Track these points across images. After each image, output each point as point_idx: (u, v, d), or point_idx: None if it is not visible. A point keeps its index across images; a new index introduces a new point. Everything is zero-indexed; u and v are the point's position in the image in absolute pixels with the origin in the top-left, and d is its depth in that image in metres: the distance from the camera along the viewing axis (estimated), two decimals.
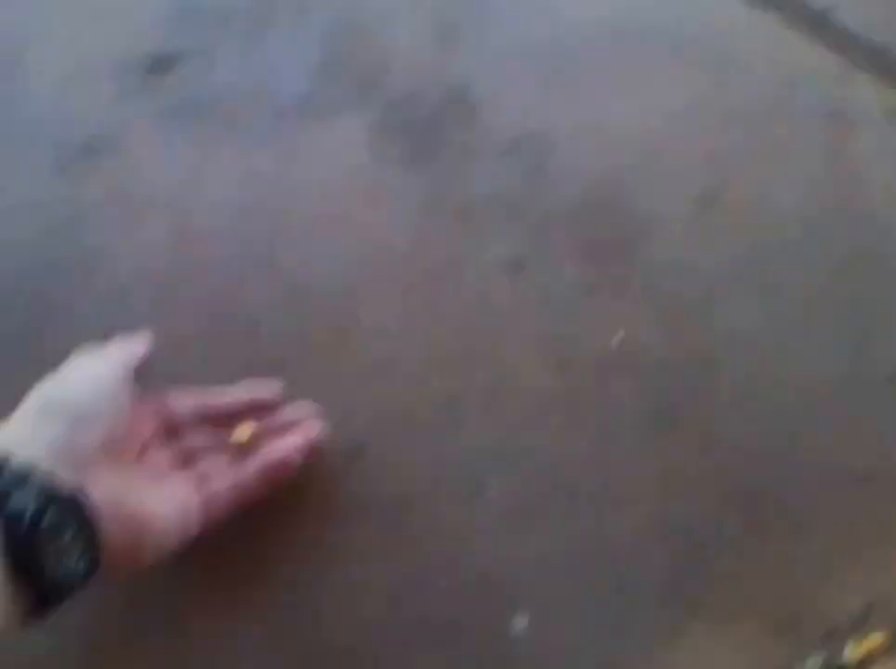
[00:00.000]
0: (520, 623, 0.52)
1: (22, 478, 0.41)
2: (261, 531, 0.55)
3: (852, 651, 0.55)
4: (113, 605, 0.53)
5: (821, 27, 0.78)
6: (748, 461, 0.59)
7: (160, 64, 0.76)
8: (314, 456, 0.55)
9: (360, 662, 0.51)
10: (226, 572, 0.54)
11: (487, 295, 0.64)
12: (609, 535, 0.56)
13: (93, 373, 0.50)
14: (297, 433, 0.55)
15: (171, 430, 0.55)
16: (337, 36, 0.79)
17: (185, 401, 0.56)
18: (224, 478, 0.53)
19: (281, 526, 0.55)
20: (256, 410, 0.57)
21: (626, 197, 0.70)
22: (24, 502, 0.40)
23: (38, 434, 0.45)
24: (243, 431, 0.55)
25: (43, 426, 0.45)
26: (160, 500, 0.49)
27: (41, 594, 0.41)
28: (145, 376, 0.53)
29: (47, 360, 0.50)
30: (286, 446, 0.54)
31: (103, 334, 0.55)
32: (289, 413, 0.57)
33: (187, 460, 0.54)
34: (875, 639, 0.55)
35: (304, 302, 0.64)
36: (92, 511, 0.43)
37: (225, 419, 0.56)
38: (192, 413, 0.55)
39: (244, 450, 0.54)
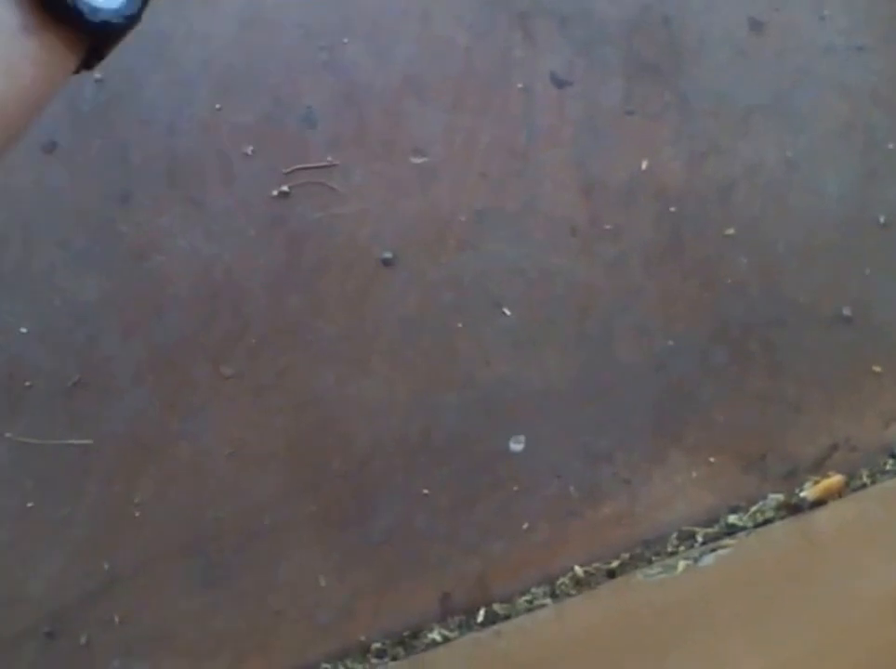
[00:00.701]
0: (518, 443, 0.61)
1: None
2: (282, 342, 0.61)
3: (810, 491, 0.64)
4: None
5: None
6: (742, 297, 0.66)
7: None
8: None
9: (370, 472, 0.60)
10: (248, 382, 0.60)
11: (532, 109, 0.67)
12: (609, 364, 0.63)
13: None
14: None
15: None
16: None
17: None
18: None
19: (302, 337, 0.62)
20: None
21: (681, 17, 0.72)
22: None
23: None
24: None
25: None
26: None
27: (86, 32, 0.33)
28: None
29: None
30: None
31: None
32: None
33: None
34: (832, 481, 0.64)
35: (357, 96, 0.67)
36: None
37: None
38: None
39: None
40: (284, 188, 0.65)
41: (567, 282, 0.65)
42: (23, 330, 0.59)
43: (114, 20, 0.34)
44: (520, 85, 0.69)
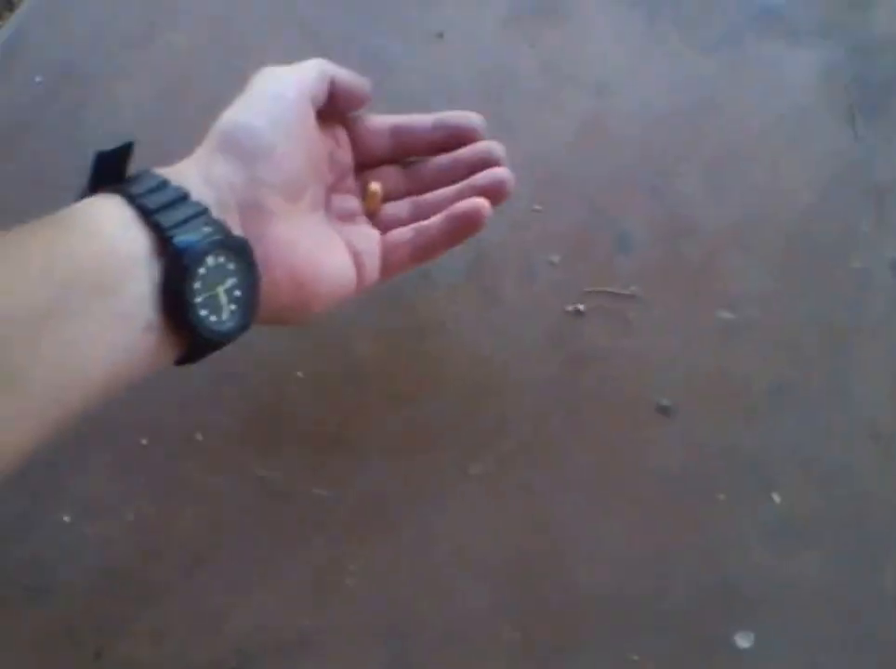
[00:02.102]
0: (745, 640, 0.62)
1: (193, 217, 0.44)
2: (535, 459, 0.67)
3: None
4: None
5: None
6: None
7: None
8: (501, 200, 0.60)
9: (584, 618, 0.63)
10: (491, 488, 0.66)
11: (863, 292, 0.70)
12: (871, 589, 0.63)
13: (276, 98, 0.52)
14: (485, 179, 0.59)
15: (362, 166, 0.61)
16: None
17: (380, 125, 0.60)
18: (406, 229, 0.58)
19: (555, 459, 0.67)
20: (453, 140, 0.60)
21: None
22: (190, 241, 0.43)
23: (213, 175, 0.48)
24: (375, 187, 0.60)
25: (218, 167, 0.49)
26: (336, 252, 0.55)
27: (191, 341, 0.46)
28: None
29: None
30: (475, 201, 0.57)
31: None
32: (481, 149, 0.61)
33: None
34: None
35: (679, 232, 0.73)
36: (257, 262, 0.47)
37: (421, 148, 0.61)
38: (387, 143, 0.60)
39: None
40: (580, 306, 0.71)
41: (853, 487, 0.66)
42: (299, 374, 0.69)
43: (217, 338, 0.47)
44: (856, 265, 0.72)
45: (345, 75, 0.58)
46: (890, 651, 0.63)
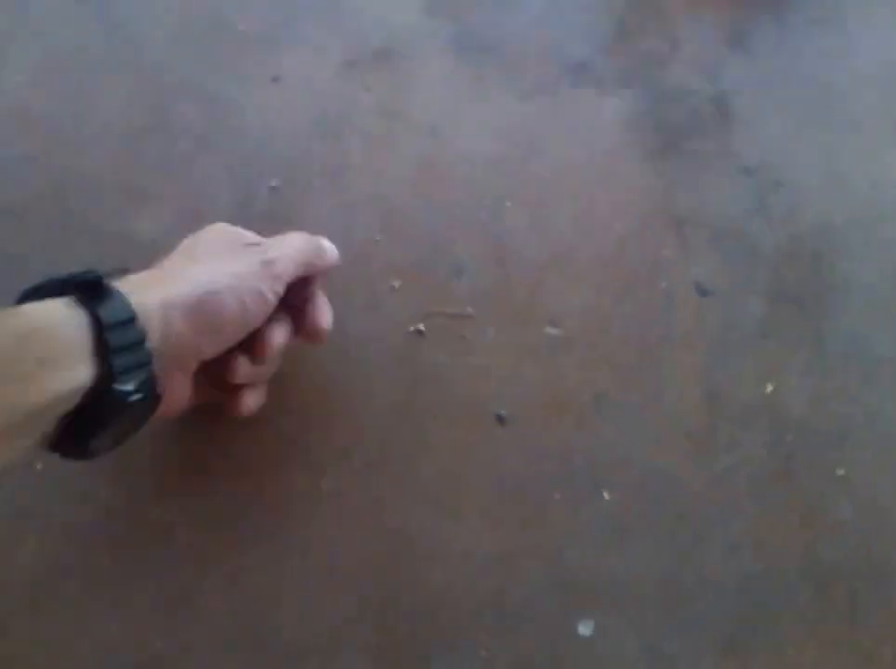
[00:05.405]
0: (586, 628, 0.66)
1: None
2: (385, 472, 0.70)
3: None
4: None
5: None
6: (838, 542, 0.70)
7: None
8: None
9: (436, 618, 0.65)
10: (345, 500, 0.69)
11: (671, 310, 0.76)
12: (693, 573, 0.68)
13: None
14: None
15: None
16: (635, 13, 0.92)
17: None
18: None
19: (404, 471, 0.70)
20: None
21: (831, 256, 0.80)
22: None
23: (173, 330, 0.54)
24: None
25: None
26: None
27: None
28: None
29: None
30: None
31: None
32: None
33: None
34: None
35: (507, 259, 0.78)
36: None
37: None
38: None
39: None
40: (420, 326, 0.74)
41: (671, 483, 0.71)
42: None
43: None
44: (663, 285, 0.78)
45: None
46: (716, 631, 0.68)
